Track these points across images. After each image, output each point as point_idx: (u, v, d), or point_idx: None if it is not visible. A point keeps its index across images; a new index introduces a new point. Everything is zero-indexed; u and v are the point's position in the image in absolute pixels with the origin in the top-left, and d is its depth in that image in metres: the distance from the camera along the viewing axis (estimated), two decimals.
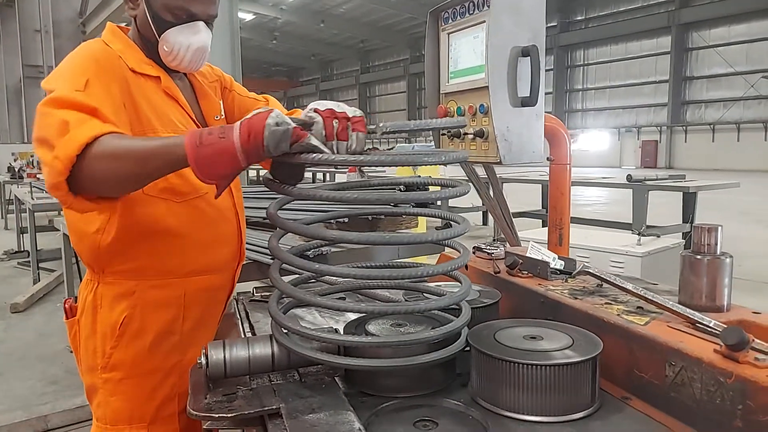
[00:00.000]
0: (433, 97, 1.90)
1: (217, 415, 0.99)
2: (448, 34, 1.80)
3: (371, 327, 1.18)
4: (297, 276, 1.28)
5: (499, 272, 1.55)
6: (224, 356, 1.07)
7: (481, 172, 2.08)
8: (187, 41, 1.31)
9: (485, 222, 9.73)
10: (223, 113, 1.53)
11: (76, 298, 1.45)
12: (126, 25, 1.42)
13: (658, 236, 4.16)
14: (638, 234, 3.79)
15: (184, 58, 1.32)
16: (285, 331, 1.09)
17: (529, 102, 1.62)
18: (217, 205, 1.39)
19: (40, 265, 6.14)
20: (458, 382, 1.15)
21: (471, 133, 1.70)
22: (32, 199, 5.42)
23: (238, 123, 0.97)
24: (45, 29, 9.90)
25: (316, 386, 1.09)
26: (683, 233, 6.76)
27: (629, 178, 6.71)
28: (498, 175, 2.17)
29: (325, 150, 0.97)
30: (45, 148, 1.04)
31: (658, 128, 26.62)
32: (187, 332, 1.38)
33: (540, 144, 1.69)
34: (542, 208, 8.77)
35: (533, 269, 1.50)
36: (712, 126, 24.81)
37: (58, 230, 4.26)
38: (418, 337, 1.03)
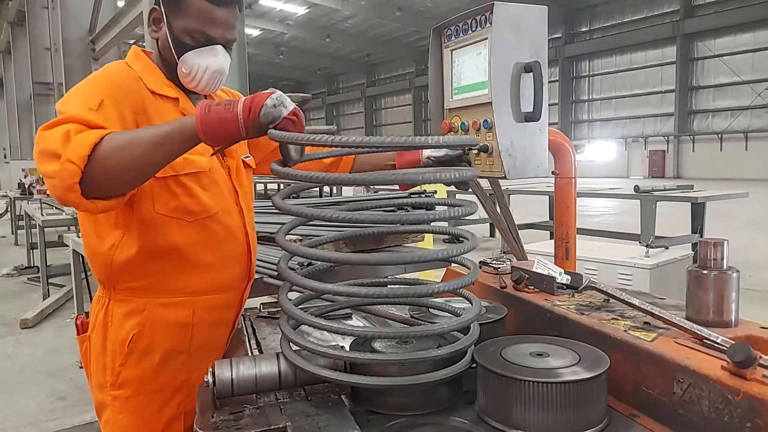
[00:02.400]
0: (437, 113, 1.91)
1: None
2: (452, 50, 1.82)
3: (377, 344, 1.18)
4: (304, 293, 1.29)
5: (505, 287, 1.55)
6: (231, 374, 1.07)
7: (484, 184, 2.08)
8: (204, 63, 1.33)
9: (492, 234, 9.71)
10: None
11: (87, 314, 1.47)
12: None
13: (666, 248, 4.14)
14: (646, 246, 3.77)
15: (201, 80, 1.35)
16: (294, 348, 1.09)
17: (532, 117, 1.62)
18: (227, 225, 1.41)
19: (50, 280, 6.19)
20: (464, 400, 1.15)
21: (476, 149, 1.71)
22: (42, 215, 5.48)
23: (243, 98, 1.09)
24: (55, 47, 10.05)
25: (323, 404, 1.09)
26: (692, 244, 6.72)
27: (637, 188, 6.68)
28: (504, 187, 2.18)
29: (293, 155, 1.13)
30: (50, 159, 1.07)
31: (666, 138, 26.55)
32: (195, 351, 1.39)
33: (544, 158, 1.70)
34: (549, 219, 8.75)
35: (539, 284, 1.50)
36: (719, 135, 24.72)
37: (67, 246, 4.30)
38: (427, 356, 1.02)
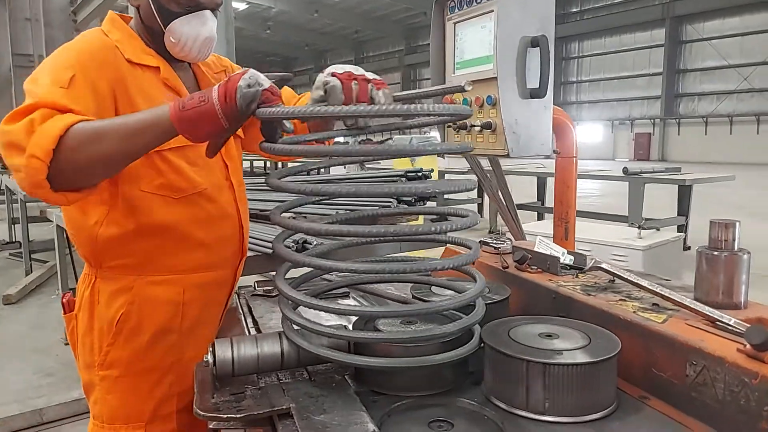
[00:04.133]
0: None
1: (225, 416, 0.96)
2: (455, 23, 1.76)
3: (381, 324, 1.15)
4: (303, 274, 1.25)
5: (507, 267, 1.53)
6: (232, 354, 1.04)
7: (484, 163, 2.05)
8: (194, 32, 1.26)
9: (480, 213, 9.71)
10: None
11: (73, 291, 1.42)
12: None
13: (658, 229, 4.16)
14: (638, 227, 3.78)
15: (192, 49, 1.28)
16: (296, 327, 1.06)
17: (538, 93, 1.58)
18: (217, 201, 1.35)
19: (33, 256, 6.07)
20: (470, 381, 1.12)
21: (478, 125, 1.67)
22: None
23: (216, 86, 1.01)
24: (35, 18, 9.73)
25: (326, 385, 1.06)
26: (678, 226, 6.78)
27: (626, 170, 6.70)
28: (487, 168, 2.13)
29: (286, 126, 1.04)
30: (14, 153, 1.00)
31: (652, 121, 26.67)
32: (186, 330, 1.34)
33: (548, 136, 1.66)
34: (537, 200, 8.77)
35: (542, 264, 1.47)
36: (705, 119, 24.89)
37: (50, 221, 4.20)
38: (436, 333, 0.99)
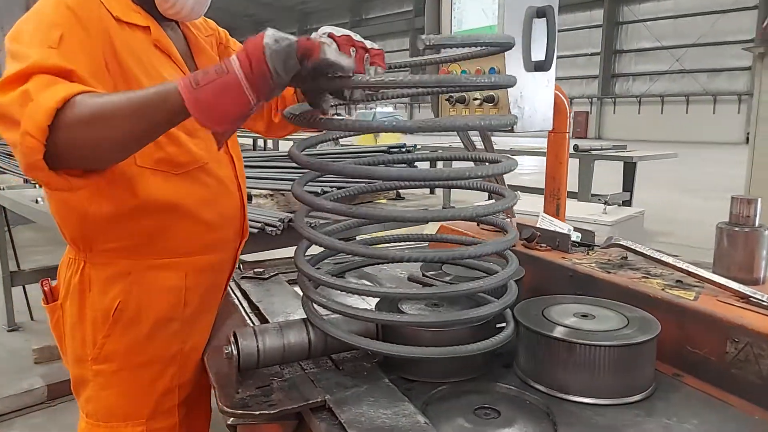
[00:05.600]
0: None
1: (257, 412, 0.88)
2: None
3: (407, 308, 1.09)
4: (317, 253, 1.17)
5: (515, 245, 1.49)
6: (257, 344, 0.95)
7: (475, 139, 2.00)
8: None
9: (432, 191, 9.74)
10: None
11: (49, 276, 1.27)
12: None
13: (620, 204, 4.28)
14: (604, 203, 3.88)
15: (185, 6, 1.14)
16: (325, 315, 0.98)
17: (542, 66, 1.54)
18: (218, 177, 1.23)
19: None
20: (499, 363, 1.09)
21: (479, 99, 1.61)
22: None
23: (235, 55, 0.83)
24: None
25: (357, 374, 0.99)
26: (623, 201, 7.05)
27: (576, 148, 6.86)
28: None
29: (344, 63, 0.83)
30: (10, 127, 0.87)
31: (590, 100, 27.58)
32: (189, 318, 1.23)
33: (551, 112, 1.63)
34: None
35: (551, 242, 1.45)
36: (638, 98, 25.97)
37: None
38: (482, 314, 0.94)
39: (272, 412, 0.88)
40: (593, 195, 6.60)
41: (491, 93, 1.59)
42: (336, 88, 0.91)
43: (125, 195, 1.09)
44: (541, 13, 1.51)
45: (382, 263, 1.49)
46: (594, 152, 6.84)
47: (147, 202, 1.11)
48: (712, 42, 23.17)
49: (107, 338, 1.15)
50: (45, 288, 1.23)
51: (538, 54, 1.54)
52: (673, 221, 7.40)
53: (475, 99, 1.62)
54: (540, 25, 1.53)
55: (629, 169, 7.23)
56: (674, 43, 24.24)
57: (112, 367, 1.16)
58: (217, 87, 0.81)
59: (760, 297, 1.02)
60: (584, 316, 1.04)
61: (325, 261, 1.28)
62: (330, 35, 0.93)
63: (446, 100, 1.77)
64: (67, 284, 1.18)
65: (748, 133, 2.64)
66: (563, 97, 1.85)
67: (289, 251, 1.98)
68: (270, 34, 0.81)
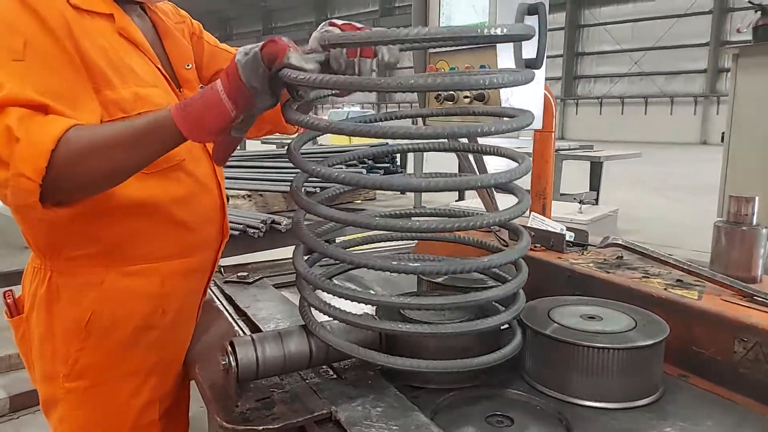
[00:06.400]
0: (419, 56, 1.75)
1: (260, 427, 0.82)
2: None
3: (411, 314, 1.05)
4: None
5: (507, 245, 1.47)
6: (256, 354, 0.89)
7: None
8: None
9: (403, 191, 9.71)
10: (193, 62, 1.28)
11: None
12: None
13: (595, 203, 4.34)
14: (579, 202, 3.92)
15: None
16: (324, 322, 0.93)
17: (534, 64, 1.52)
18: (196, 175, 1.15)
19: None
20: (503, 366, 1.05)
21: (469, 96, 1.58)
22: None
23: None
24: None
25: (361, 383, 0.95)
26: (594, 199, 7.18)
27: None
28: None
29: (306, 67, 0.84)
30: None
31: (558, 100, 28.10)
32: (168, 326, 1.15)
33: (540, 110, 1.62)
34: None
35: (546, 242, 1.43)
36: (599, 100, 26.57)
37: None
38: (496, 323, 0.90)
39: (276, 426, 0.83)
40: (562, 194, 6.70)
41: (482, 91, 1.56)
42: (295, 89, 0.91)
43: (96, 197, 1.00)
44: (533, 10, 1.49)
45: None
46: (563, 152, 6.95)
47: (119, 203, 1.03)
48: (669, 45, 23.91)
49: (80, 352, 1.06)
50: (8, 300, 1.13)
51: (529, 52, 1.52)
52: (639, 219, 7.57)
53: (466, 97, 1.59)
54: (531, 23, 1.51)
55: (596, 169, 7.37)
56: (633, 46, 24.90)
57: (86, 384, 1.08)
58: (202, 103, 0.86)
59: (764, 296, 1.01)
60: (591, 317, 1.02)
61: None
62: (332, 23, 0.92)
63: (434, 97, 1.74)
64: (32, 296, 1.09)
65: (723, 133, 2.71)
66: (550, 96, 1.84)
67: (271, 254, 1.92)
68: (241, 50, 0.86)
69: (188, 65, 1.23)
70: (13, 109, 0.85)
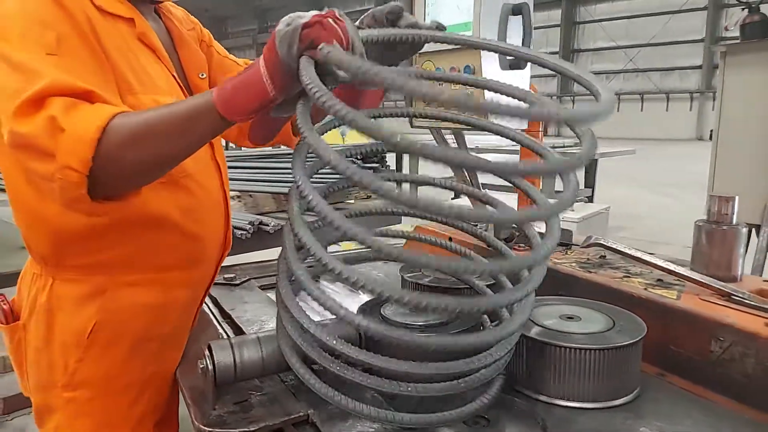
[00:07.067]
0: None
1: (237, 430, 0.82)
2: None
3: (389, 312, 1.05)
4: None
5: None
6: (234, 357, 0.89)
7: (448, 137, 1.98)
8: None
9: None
10: (207, 71, 1.23)
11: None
12: None
13: (587, 201, 4.35)
14: None
15: None
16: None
17: (518, 65, 1.52)
18: (205, 186, 1.13)
19: None
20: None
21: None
22: None
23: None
24: None
25: (340, 385, 0.95)
26: (586, 197, 7.20)
27: None
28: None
29: (348, 60, 0.69)
30: (37, 158, 0.80)
31: (549, 97, 28.11)
32: (167, 336, 1.14)
33: None
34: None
35: (530, 241, 1.43)
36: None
37: None
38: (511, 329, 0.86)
39: (252, 429, 0.83)
40: (557, 192, 6.71)
41: (466, 91, 1.57)
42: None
43: (106, 207, 0.99)
44: (516, 10, 1.50)
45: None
46: (557, 149, 6.95)
47: (129, 213, 1.00)
48: (664, 42, 23.95)
49: (80, 363, 1.05)
50: (4, 306, 1.12)
51: None
52: (633, 216, 7.60)
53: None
54: (516, 23, 1.52)
55: (590, 166, 7.38)
56: (628, 42, 24.95)
57: (86, 394, 1.06)
58: (242, 78, 0.80)
59: (741, 295, 1.02)
60: (569, 317, 1.03)
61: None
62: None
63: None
64: (31, 303, 1.07)
65: (711, 131, 2.72)
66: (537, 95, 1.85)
67: (258, 255, 1.93)
68: (285, 18, 0.78)
69: (202, 74, 1.21)
70: (57, 99, 0.81)
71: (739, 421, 0.88)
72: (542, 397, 0.94)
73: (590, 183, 7.35)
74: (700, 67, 23.28)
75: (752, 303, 1.00)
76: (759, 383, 0.90)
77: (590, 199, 7.16)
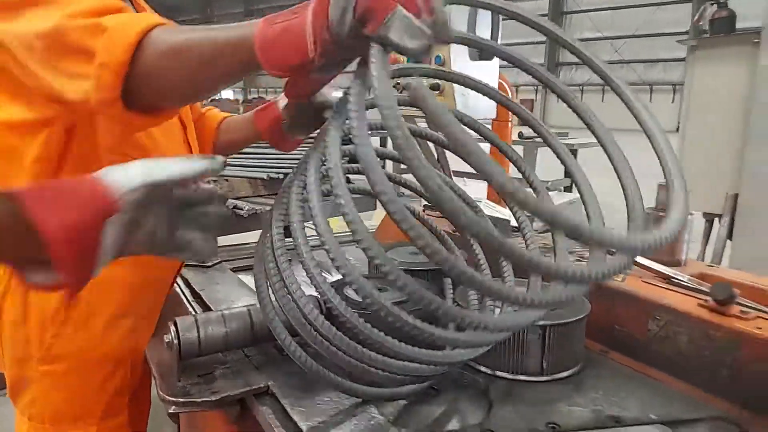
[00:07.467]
0: None
1: (199, 400, 0.88)
2: None
3: (352, 292, 1.10)
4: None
5: (456, 231, 1.53)
6: (198, 332, 0.94)
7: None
8: None
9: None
10: None
11: None
12: None
13: (563, 189, 4.43)
14: (547, 189, 3.99)
15: None
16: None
17: (487, 56, 1.58)
18: None
19: None
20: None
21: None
22: None
23: None
24: None
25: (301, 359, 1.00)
26: (565, 187, 7.30)
27: (521, 135, 7.04)
28: None
29: (410, 47, 0.62)
30: (74, 58, 0.79)
31: (535, 87, 28.22)
32: (142, 314, 1.18)
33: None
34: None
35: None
36: (581, 87, 26.76)
37: None
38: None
39: (214, 399, 0.88)
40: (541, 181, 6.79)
41: (437, 81, 1.61)
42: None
43: (138, 120, 0.91)
44: None
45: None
46: (537, 140, 7.02)
47: None
48: (648, 33, 24.13)
49: (56, 337, 1.08)
50: None
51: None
52: (606, 205, 7.68)
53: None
54: (485, 14, 1.56)
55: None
56: (613, 33, 25.09)
57: (62, 368, 1.09)
58: (284, 26, 0.71)
59: (680, 278, 1.09)
60: None
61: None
62: None
63: (393, 86, 1.78)
64: (6, 281, 1.11)
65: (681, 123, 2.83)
66: (507, 86, 1.90)
67: (231, 238, 1.96)
68: None
69: None
70: (111, 15, 0.79)
71: (671, 394, 0.95)
72: (491, 371, 1.01)
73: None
74: (683, 59, 23.49)
75: (690, 285, 1.07)
76: (690, 359, 0.97)
77: (569, 189, 7.26)
